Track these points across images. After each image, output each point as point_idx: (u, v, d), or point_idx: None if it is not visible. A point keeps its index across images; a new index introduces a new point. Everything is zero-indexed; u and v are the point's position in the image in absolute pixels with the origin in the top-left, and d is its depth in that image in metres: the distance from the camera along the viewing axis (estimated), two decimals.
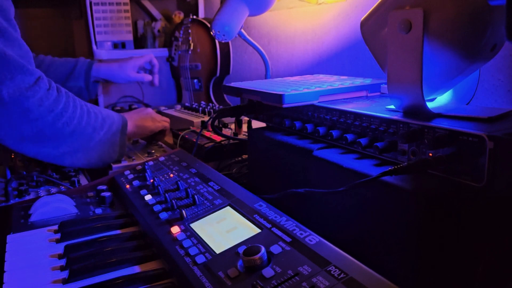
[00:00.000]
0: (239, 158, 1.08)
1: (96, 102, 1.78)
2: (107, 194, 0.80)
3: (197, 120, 1.32)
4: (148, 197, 0.73)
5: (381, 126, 0.61)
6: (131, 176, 0.84)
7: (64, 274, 0.57)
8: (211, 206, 0.64)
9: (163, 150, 1.14)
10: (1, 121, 0.81)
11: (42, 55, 1.29)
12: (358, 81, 0.83)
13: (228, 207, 0.63)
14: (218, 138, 1.08)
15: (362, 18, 0.65)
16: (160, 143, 1.20)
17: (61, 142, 0.88)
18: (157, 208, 0.68)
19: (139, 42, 2.03)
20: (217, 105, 1.53)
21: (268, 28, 1.56)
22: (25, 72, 0.81)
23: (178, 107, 1.65)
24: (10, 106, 0.80)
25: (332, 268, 0.44)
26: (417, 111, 0.59)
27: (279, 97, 0.72)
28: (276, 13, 1.50)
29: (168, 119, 1.20)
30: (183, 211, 0.63)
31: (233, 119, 1.10)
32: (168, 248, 0.57)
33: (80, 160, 0.93)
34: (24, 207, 0.78)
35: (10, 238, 0.67)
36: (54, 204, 0.76)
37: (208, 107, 1.47)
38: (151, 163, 0.88)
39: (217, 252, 0.53)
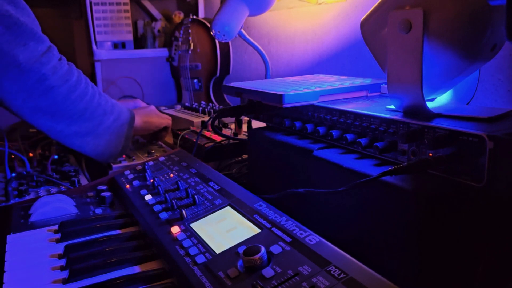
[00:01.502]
0: (239, 158, 1.08)
1: None
2: (107, 194, 0.80)
3: (197, 120, 1.32)
4: (148, 197, 0.73)
5: (381, 126, 0.61)
6: (131, 176, 0.84)
7: (64, 274, 0.57)
8: (211, 206, 0.64)
9: (163, 150, 1.14)
10: (18, 88, 0.81)
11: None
12: (358, 81, 0.83)
13: (228, 207, 0.63)
14: (218, 138, 1.08)
15: (362, 18, 0.65)
16: (160, 143, 1.20)
17: (73, 119, 0.88)
18: (157, 208, 0.68)
19: (139, 42, 2.03)
20: (217, 105, 1.53)
21: (268, 28, 1.56)
22: (38, 39, 0.82)
23: (178, 107, 1.65)
24: (27, 72, 0.80)
25: (332, 268, 0.44)
26: (417, 111, 0.59)
27: (279, 97, 0.72)
28: (276, 13, 1.50)
29: (169, 117, 1.20)
30: (183, 211, 0.63)
31: (233, 119, 1.10)
32: (168, 248, 0.57)
33: (89, 145, 0.92)
34: (24, 207, 0.78)
35: (10, 238, 0.67)
36: (54, 204, 0.76)
37: (208, 107, 1.47)
38: (151, 163, 0.88)
39: (217, 252, 0.53)
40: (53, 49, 0.85)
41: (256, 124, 0.96)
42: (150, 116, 1.11)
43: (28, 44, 0.80)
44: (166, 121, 1.15)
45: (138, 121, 1.03)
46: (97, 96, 0.91)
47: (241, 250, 0.50)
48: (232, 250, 0.52)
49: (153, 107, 1.16)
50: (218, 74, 1.72)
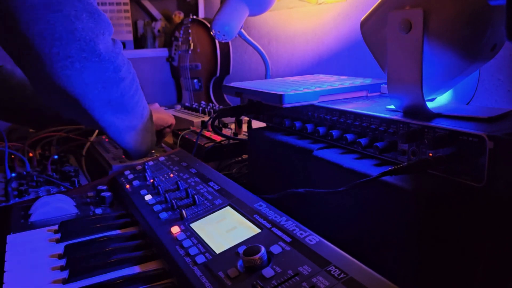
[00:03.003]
0: (239, 158, 1.08)
1: None
2: (107, 194, 0.80)
3: (197, 120, 1.32)
4: (148, 197, 0.73)
5: (381, 126, 0.61)
6: (131, 176, 0.84)
7: (64, 274, 0.57)
8: (211, 206, 0.64)
9: (163, 150, 1.14)
10: (96, 78, 0.78)
11: None
12: (358, 81, 0.83)
13: (228, 207, 0.63)
14: (218, 138, 1.08)
15: (362, 18, 0.65)
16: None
17: (127, 113, 0.87)
18: (157, 208, 0.68)
19: (139, 42, 2.03)
20: (217, 105, 1.53)
21: (268, 28, 1.56)
22: (110, 30, 0.81)
23: (178, 107, 1.65)
24: (105, 62, 0.78)
25: (332, 268, 0.44)
26: (417, 111, 0.59)
27: (279, 97, 0.72)
28: (276, 13, 1.50)
29: (172, 115, 1.20)
30: (183, 211, 0.63)
31: (233, 119, 1.10)
32: (168, 248, 0.57)
33: (131, 140, 0.91)
34: (24, 207, 0.78)
35: (10, 238, 0.67)
36: (54, 204, 0.76)
37: (208, 107, 1.47)
38: (151, 163, 0.88)
39: (217, 252, 0.53)
40: (118, 41, 0.83)
41: (256, 124, 0.96)
42: (159, 112, 1.11)
43: (105, 34, 0.78)
44: (171, 118, 1.16)
45: (154, 117, 1.02)
46: (140, 90, 0.90)
47: (241, 250, 0.50)
48: (232, 250, 0.52)
49: (157, 105, 1.16)
50: (218, 74, 1.72)
